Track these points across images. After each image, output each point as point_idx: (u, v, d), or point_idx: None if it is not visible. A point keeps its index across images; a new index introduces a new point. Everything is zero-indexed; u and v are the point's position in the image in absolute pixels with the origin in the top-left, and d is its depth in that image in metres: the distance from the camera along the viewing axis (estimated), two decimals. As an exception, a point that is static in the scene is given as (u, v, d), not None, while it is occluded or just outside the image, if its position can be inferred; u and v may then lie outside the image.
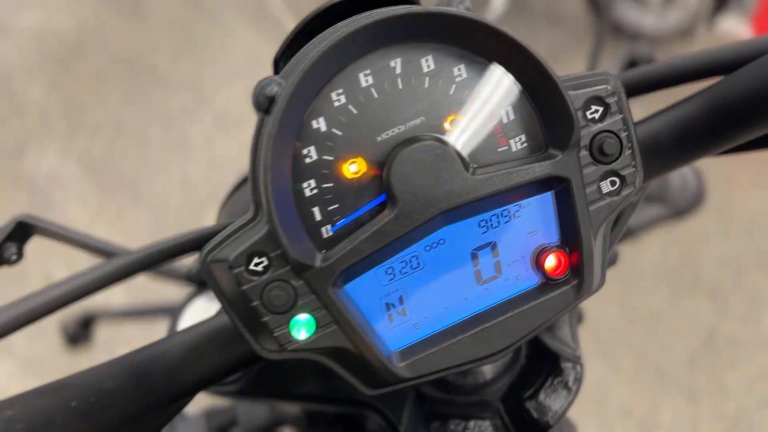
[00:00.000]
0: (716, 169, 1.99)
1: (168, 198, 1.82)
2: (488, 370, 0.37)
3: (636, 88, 0.32)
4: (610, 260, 0.56)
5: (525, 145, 0.27)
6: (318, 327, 0.27)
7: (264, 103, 0.27)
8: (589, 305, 1.53)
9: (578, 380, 0.36)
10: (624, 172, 0.27)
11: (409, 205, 0.26)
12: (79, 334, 0.78)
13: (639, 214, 0.59)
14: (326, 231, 0.27)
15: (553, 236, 0.28)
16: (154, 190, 1.84)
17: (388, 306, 0.28)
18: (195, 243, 0.33)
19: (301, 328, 0.27)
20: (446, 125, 0.27)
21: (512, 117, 0.27)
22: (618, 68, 0.56)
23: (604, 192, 0.27)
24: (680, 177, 0.58)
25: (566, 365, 0.36)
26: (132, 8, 2.31)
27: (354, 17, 0.27)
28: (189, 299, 0.46)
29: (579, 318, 0.54)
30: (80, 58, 2.16)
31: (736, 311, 1.62)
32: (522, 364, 0.37)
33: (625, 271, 1.64)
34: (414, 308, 0.28)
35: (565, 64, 2.17)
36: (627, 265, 1.66)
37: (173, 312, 0.44)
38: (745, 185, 2.07)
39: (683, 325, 1.55)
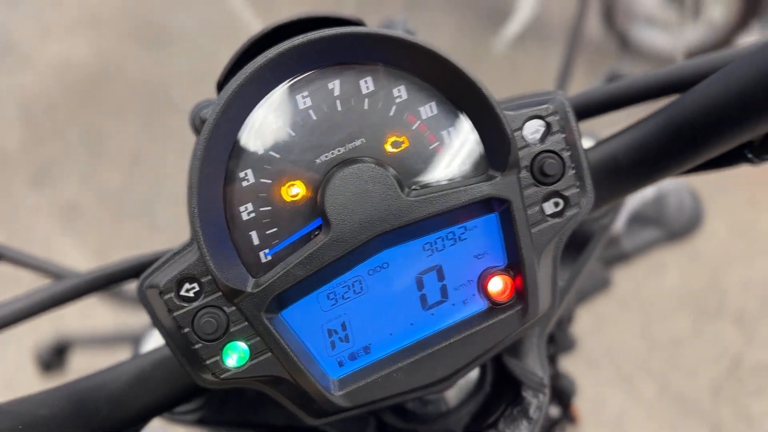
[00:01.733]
0: (740, 192, 1.94)
1: (184, 223, 1.83)
2: (451, 398, 0.35)
3: (594, 109, 0.31)
4: (602, 285, 0.54)
5: (467, 166, 0.26)
6: (252, 355, 0.26)
7: (199, 125, 0.27)
8: (608, 332, 1.50)
9: (540, 409, 0.34)
10: (567, 193, 0.26)
11: (343, 228, 0.25)
12: (53, 360, 0.77)
13: (635, 237, 0.56)
14: (264, 255, 0.26)
15: (499, 259, 0.27)
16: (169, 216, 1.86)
17: (330, 332, 0.27)
18: (140, 268, 0.32)
19: (234, 356, 0.26)
20: (386, 147, 0.26)
21: (453, 138, 0.26)
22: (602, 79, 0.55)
23: (547, 213, 0.26)
24: (677, 199, 0.56)
25: (527, 393, 0.34)
26: (152, 39, 2.36)
27: (290, 39, 0.27)
28: (150, 326, 0.46)
29: (569, 345, 0.52)
30: (101, 87, 2.21)
31: (762, 338, 1.56)
32: (486, 392, 0.36)
33: (645, 296, 1.59)
34: (357, 334, 0.27)
35: (581, 83, 2.14)
36: (648, 290, 1.61)
37: (136, 339, 0.43)
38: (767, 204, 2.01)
39: (706, 352, 1.49)
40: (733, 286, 1.67)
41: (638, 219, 0.56)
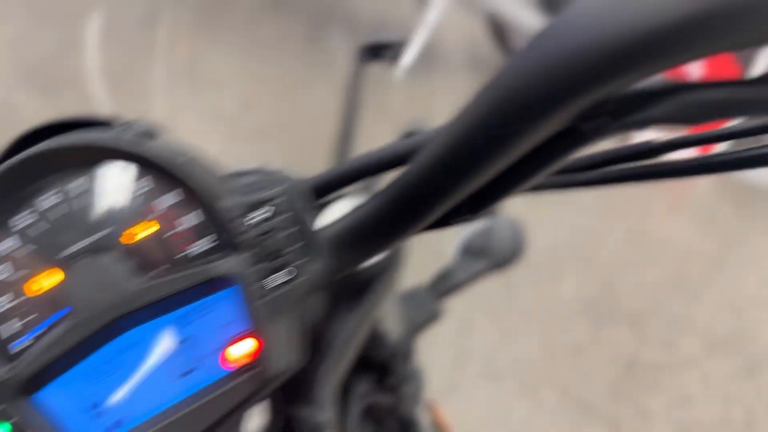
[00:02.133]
0: (631, 200, 2.08)
1: None
2: None
3: (333, 185, 0.33)
4: (433, 317, 0.59)
5: (202, 248, 0.29)
6: None
7: None
8: (512, 345, 1.55)
9: None
10: (296, 263, 0.29)
11: (82, 314, 0.27)
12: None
13: (466, 268, 0.61)
14: (12, 347, 0.28)
15: (243, 326, 0.30)
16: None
17: (85, 410, 0.29)
18: None
19: None
20: (130, 235, 0.28)
21: (186, 224, 0.29)
22: (358, 53, 0.59)
23: (279, 283, 0.29)
24: (499, 233, 0.62)
25: None
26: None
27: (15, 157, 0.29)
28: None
29: (412, 376, 0.56)
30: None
31: (656, 337, 1.67)
32: None
33: (545, 307, 1.68)
34: (116, 407, 0.29)
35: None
36: (547, 300, 1.70)
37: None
38: (660, 213, 2.16)
39: (604, 356, 1.58)
40: (626, 291, 1.79)
41: (468, 251, 0.62)
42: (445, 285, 0.60)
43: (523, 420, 1.41)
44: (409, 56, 2.40)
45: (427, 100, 2.23)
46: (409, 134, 0.57)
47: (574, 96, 0.22)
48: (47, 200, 0.28)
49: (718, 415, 1.50)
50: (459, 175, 0.27)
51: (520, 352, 1.55)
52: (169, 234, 0.28)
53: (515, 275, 1.40)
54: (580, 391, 1.49)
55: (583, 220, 1.99)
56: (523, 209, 0.79)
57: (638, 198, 2.15)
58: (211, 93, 2.09)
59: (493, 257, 0.61)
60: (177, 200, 0.28)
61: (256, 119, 2.03)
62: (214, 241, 0.28)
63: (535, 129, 0.23)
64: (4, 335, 0.27)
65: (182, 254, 0.28)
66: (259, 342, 0.29)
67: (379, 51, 0.64)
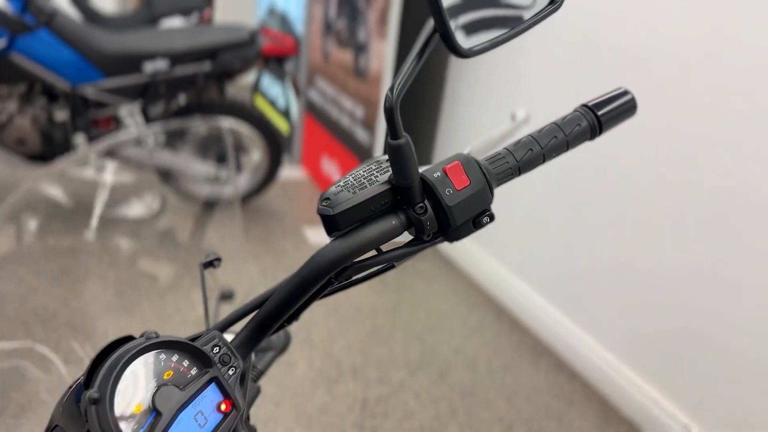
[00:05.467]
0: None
1: None
2: None
3: (234, 321, 0.63)
4: (254, 395, 0.89)
5: (197, 372, 0.56)
6: None
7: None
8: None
9: None
10: (235, 364, 0.58)
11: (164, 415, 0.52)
12: None
13: (262, 361, 0.93)
14: None
15: (222, 395, 0.57)
16: None
17: None
18: None
19: None
20: (166, 376, 0.54)
21: (188, 367, 0.55)
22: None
23: (230, 376, 0.58)
24: (281, 334, 0.95)
25: None
26: None
27: (127, 346, 0.53)
28: None
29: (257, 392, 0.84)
30: None
31: (370, 376, 2.14)
32: None
33: (291, 392, 2.02)
34: None
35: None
36: (290, 386, 2.04)
37: None
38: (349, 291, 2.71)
39: (343, 406, 1.98)
40: (341, 352, 2.24)
41: (260, 349, 0.95)
42: (255, 372, 0.92)
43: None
44: (95, 218, 2.57)
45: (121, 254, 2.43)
46: (225, 295, 0.88)
47: (326, 272, 0.57)
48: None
49: (432, 413, 2.01)
50: (292, 304, 0.61)
51: (275, 413, 1.85)
52: (181, 370, 0.55)
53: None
54: (337, 440, 1.85)
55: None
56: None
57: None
58: None
59: (274, 348, 0.96)
60: (187, 361, 0.55)
61: None
62: (202, 368, 0.56)
63: (317, 284, 0.56)
64: None
65: (190, 375, 0.55)
66: (229, 401, 0.57)
67: None
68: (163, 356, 0.53)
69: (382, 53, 2.83)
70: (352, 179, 0.55)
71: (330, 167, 3.54)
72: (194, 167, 2.91)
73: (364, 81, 3.04)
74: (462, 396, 2.10)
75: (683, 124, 1.87)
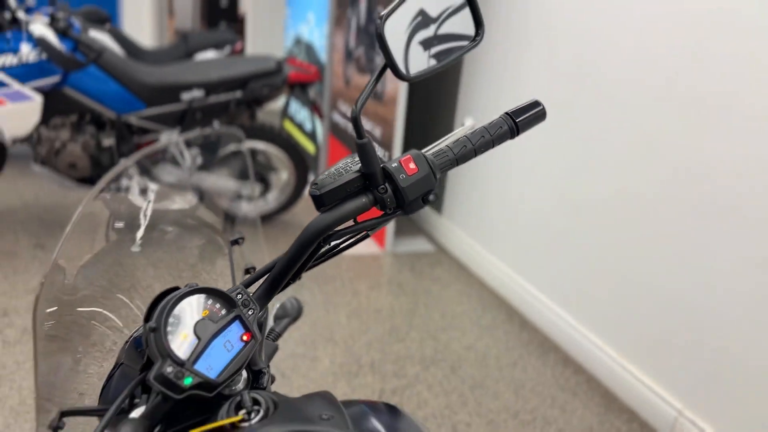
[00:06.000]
0: (347, 290, 2.78)
1: None
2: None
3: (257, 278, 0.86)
4: (273, 351, 1.09)
5: (227, 311, 0.77)
6: None
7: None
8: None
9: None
10: (253, 308, 0.79)
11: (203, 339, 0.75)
12: None
13: (279, 326, 1.15)
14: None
15: (244, 329, 0.78)
16: None
17: (205, 366, 0.75)
18: None
19: None
20: (204, 312, 0.77)
21: (219, 305, 0.78)
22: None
23: (250, 313, 0.79)
24: (290, 304, 1.17)
25: None
26: None
27: (174, 293, 0.74)
28: None
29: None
30: None
31: (389, 371, 2.34)
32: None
33: (314, 378, 2.23)
34: (204, 363, 0.74)
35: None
36: (313, 372, 2.25)
37: None
38: (366, 293, 2.92)
39: (360, 396, 2.19)
40: (361, 349, 2.45)
41: (277, 317, 1.16)
42: (274, 335, 1.14)
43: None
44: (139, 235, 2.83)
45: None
46: (249, 269, 1.11)
47: (317, 236, 0.76)
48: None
49: (444, 403, 2.19)
50: (294, 265, 0.83)
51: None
52: (214, 310, 0.76)
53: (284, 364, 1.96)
54: None
55: (318, 313, 2.63)
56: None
57: (343, 289, 2.89)
58: None
59: (288, 316, 1.17)
60: (218, 304, 0.77)
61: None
62: (229, 309, 0.77)
63: (311, 246, 0.77)
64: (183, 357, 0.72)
65: (220, 314, 0.77)
66: (249, 333, 0.79)
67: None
68: (201, 299, 0.74)
69: (397, 77, 3.07)
70: (333, 170, 0.76)
71: (353, 184, 3.77)
72: (227, 186, 3.16)
73: (381, 103, 3.28)
74: (472, 388, 2.28)
75: (683, 133, 2.06)
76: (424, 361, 2.41)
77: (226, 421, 0.64)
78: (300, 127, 4.66)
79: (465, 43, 0.77)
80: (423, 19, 0.81)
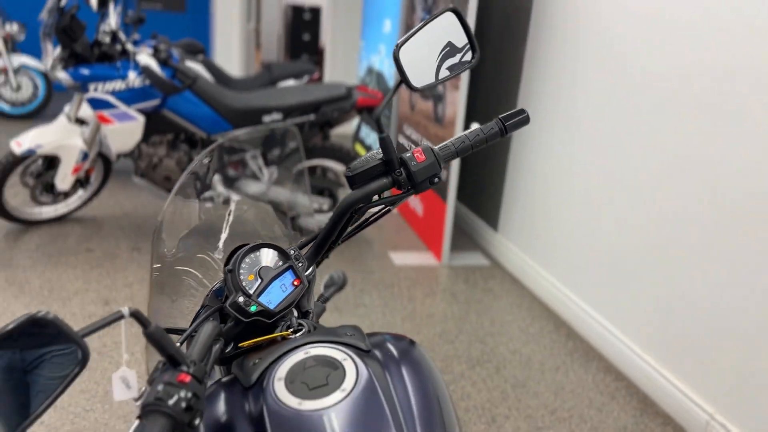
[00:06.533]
0: (404, 295, 3.02)
1: None
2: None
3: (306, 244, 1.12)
4: (321, 311, 1.35)
5: (281, 262, 1.04)
6: None
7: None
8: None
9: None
10: (305, 264, 1.06)
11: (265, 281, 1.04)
12: None
13: (329, 290, 1.40)
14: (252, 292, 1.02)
15: (295, 276, 1.04)
16: None
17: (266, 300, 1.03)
18: None
19: None
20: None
21: (280, 262, 1.05)
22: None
23: (300, 266, 1.06)
24: (336, 276, 1.43)
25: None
26: None
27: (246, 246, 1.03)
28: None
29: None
30: None
31: (499, 359, 2.55)
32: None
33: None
34: (266, 297, 1.01)
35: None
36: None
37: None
38: (421, 299, 3.15)
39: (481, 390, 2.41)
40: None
41: (326, 286, 1.43)
42: (325, 297, 1.40)
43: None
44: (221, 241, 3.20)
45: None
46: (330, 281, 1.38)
47: (349, 207, 1.03)
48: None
49: (486, 397, 2.38)
50: (333, 232, 1.10)
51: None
52: (274, 259, 1.04)
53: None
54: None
55: (376, 315, 2.89)
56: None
57: (400, 295, 3.13)
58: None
59: (335, 285, 1.44)
60: (277, 256, 1.03)
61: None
62: (285, 260, 1.05)
63: (345, 216, 1.04)
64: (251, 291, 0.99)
65: (278, 264, 1.03)
66: (298, 279, 1.05)
67: None
68: (265, 251, 1.01)
69: (456, 101, 3.32)
70: (362, 159, 1.02)
71: (414, 201, 4.03)
72: (300, 201, 3.49)
73: (441, 125, 3.54)
74: (514, 387, 2.45)
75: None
76: (470, 361, 2.61)
77: (279, 334, 0.90)
78: (369, 149, 4.98)
79: (465, 62, 1.02)
80: (450, 50, 1.05)
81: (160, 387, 0.64)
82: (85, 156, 3.42)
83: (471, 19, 3.14)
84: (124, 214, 3.95)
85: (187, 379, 0.66)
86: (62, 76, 3.13)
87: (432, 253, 3.69)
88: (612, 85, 2.66)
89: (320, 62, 9.53)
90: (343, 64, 6.52)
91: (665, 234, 2.37)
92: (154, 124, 3.32)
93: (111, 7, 3.30)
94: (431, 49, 1.00)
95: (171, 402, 0.63)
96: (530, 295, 3.27)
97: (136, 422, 0.63)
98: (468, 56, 1.02)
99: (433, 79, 1.00)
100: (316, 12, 9.74)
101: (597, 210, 2.78)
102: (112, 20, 3.29)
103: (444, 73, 1.01)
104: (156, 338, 0.67)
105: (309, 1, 10.55)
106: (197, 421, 0.66)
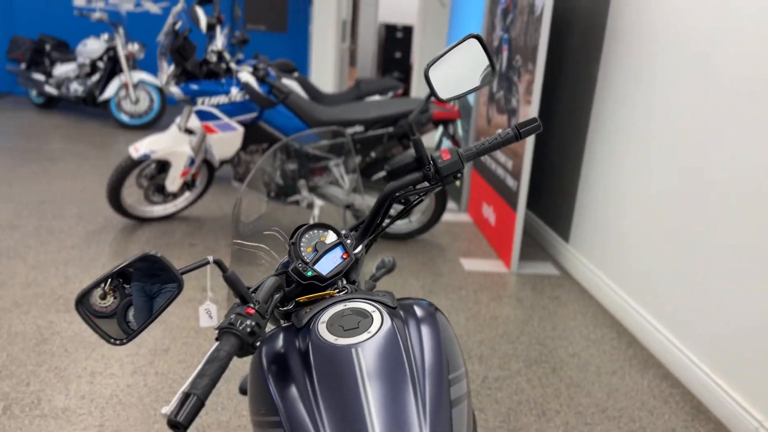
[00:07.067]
0: (482, 296, 3.20)
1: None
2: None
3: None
4: (371, 289, 1.60)
5: (333, 238, 1.29)
6: None
7: None
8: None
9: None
10: (353, 242, 1.30)
11: (320, 253, 1.28)
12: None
13: (379, 272, 1.65)
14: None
15: (343, 250, 1.29)
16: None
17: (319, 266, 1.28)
18: None
19: None
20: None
21: (333, 240, 1.30)
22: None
23: (348, 244, 1.30)
24: (387, 260, 1.67)
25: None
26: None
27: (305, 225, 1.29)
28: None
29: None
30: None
31: (494, 364, 2.71)
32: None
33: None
34: (321, 266, 1.28)
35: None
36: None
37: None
38: (486, 303, 3.32)
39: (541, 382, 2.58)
40: (473, 344, 2.84)
41: (378, 267, 1.67)
42: (376, 276, 1.63)
43: None
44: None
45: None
46: (380, 265, 1.64)
47: (389, 196, 1.27)
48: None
49: (539, 393, 2.52)
50: (377, 217, 1.33)
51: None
52: (327, 237, 1.29)
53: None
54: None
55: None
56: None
57: (467, 297, 3.31)
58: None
59: (386, 268, 1.67)
60: (330, 234, 1.28)
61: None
62: (336, 238, 1.29)
63: (386, 202, 1.28)
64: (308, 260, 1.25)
65: (330, 240, 1.28)
66: (346, 254, 1.30)
67: None
68: (320, 230, 1.26)
69: (528, 115, 3.48)
70: (399, 157, 1.25)
71: (488, 211, 4.20)
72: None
73: (515, 139, 3.70)
74: (568, 386, 2.58)
75: None
76: (528, 360, 2.75)
77: (326, 292, 1.14)
78: (450, 162, 5.19)
79: (486, 79, 1.23)
80: (473, 68, 1.27)
81: (232, 316, 0.90)
82: (192, 162, 3.86)
83: (545, 31, 3.31)
84: (224, 215, 4.37)
85: (252, 312, 0.92)
86: (175, 90, 3.58)
87: (502, 261, 3.84)
88: (693, 93, 2.61)
89: (408, 79, 9.85)
90: (430, 81, 6.78)
91: (747, 252, 2.42)
92: (252, 135, 3.71)
93: (218, 30, 3.73)
94: (457, 67, 1.22)
95: (240, 326, 0.88)
96: (596, 305, 3.36)
97: (215, 344, 0.89)
98: (488, 74, 1.24)
99: (458, 92, 1.23)
100: (408, 31, 10.10)
101: (673, 225, 2.85)
102: (219, 42, 3.72)
103: (467, 86, 1.23)
104: (232, 281, 0.94)
105: (402, 20, 10.94)
106: (258, 344, 0.91)
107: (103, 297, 0.91)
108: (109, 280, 0.90)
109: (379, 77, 9.92)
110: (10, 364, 2.46)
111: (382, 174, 3.79)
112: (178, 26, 3.61)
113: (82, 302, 0.89)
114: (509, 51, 3.94)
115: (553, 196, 4.09)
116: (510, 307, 3.25)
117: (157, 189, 3.99)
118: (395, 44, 10.14)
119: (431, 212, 3.95)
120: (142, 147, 3.75)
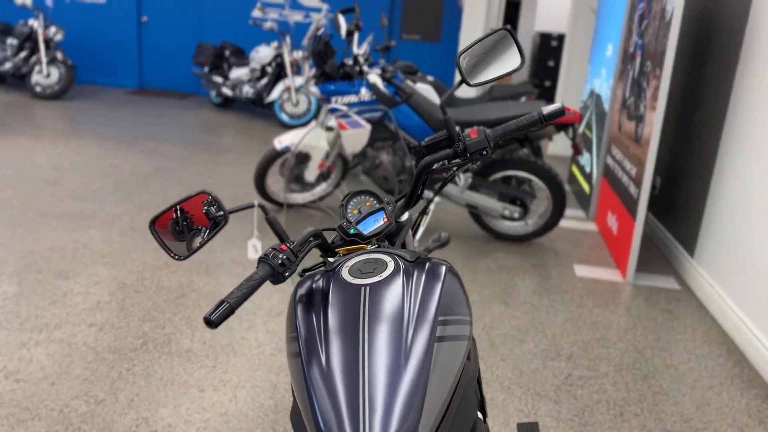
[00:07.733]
0: (495, 299, 3.21)
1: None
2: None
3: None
4: (445, 243, 1.76)
5: (378, 205, 1.50)
6: None
7: None
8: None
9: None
10: (394, 208, 1.50)
11: (364, 216, 1.49)
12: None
13: (434, 245, 1.82)
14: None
15: (385, 215, 1.49)
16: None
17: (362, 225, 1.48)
18: None
19: None
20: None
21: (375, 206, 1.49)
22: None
23: (389, 210, 1.50)
24: (439, 236, 1.83)
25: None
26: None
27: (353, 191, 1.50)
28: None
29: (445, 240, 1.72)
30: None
31: (583, 364, 2.71)
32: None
33: (513, 353, 2.74)
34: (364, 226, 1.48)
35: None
36: (513, 351, 2.76)
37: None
38: (590, 309, 3.29)
39: (552, 379, 2.61)
40: (565, 344, 2.86)
41: (434, 241, 1.83)
42: (429, 248, 1.81)
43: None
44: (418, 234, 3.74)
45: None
46: (438, 239, 1.82)
47: (427, 167, 1.46)
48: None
49: (622, 396, 2.49)
50: (417, 186, 1.52)
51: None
52: (371, 203, 1.50)
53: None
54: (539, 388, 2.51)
55: (539, 313, 3.14)
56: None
57: (571, 301, 3.31)
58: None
59: (439, 241, 1.84)
60: (374, 200, 1.50)
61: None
62: (379, 205, 1.49)
63: (423, 174, 1.45)
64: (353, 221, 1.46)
65: (374, 205, 1.49)
66: (387, 218, 1.49)
67: None
68: (366, 196, 1.47)
69: (653, 121, 3.40)
70: (434, 135, 1.42)
71: (611, 220, 4.11)
72: (493, 206, 3.87)
73: (639, 145, 3.61)
74: (655, 393, 2.52)
75: None
76: (619, 365, 2.72)
77: (360, 246, 1.35)
78: (582, 168, 5.12)
79: (512, 68, 1.36)
80: (502, 57, 1.40)
81: (269, 250, 1.14)
82: (327, 155, 4.25)
83: (674, 35, 3.23)
84: (354, 207, 4.71)
85: (285, 248, 1.15)
86: (314, 89, 3.98)
87: (619, 271, 3.76)
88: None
89: (553, 86, 9.67)
90: (574, 88, 6.68)
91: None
92: (378, 132, 4.00)
93: (356, 35, 4.08)
94: (487, 57, 1.37)
95: (273, 258, 1.12)
96: (711, 321, 3.19)
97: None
98: (515, 63, 1.37)
99: (485, 78, 1.37)
100: (562, 39, 9.93)
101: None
102: (355, 46, 4.06)
103: (494, 74, 1.37)
104: (272, 222, 1.18)
105: (558, 28, 10.75)
106: (287, 274, 1.14)
107: (170, 223, 1.19)
108: (176, 208, 1.18)
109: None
110: (153, 310, 2.95)
111: (499, 175, 3.90)
112: (320, 32, 4.01)
113: (154, 225, 1.18)
114: (642, 57, 3.85)
115: (681, 207, 3.90)
116: (615, 315, 3.21)
117: (296, 178, 4.43)
118: (549, 52, 10.02)
119: (548, 216, 3.97)
120: (285, 140, 4.20)
